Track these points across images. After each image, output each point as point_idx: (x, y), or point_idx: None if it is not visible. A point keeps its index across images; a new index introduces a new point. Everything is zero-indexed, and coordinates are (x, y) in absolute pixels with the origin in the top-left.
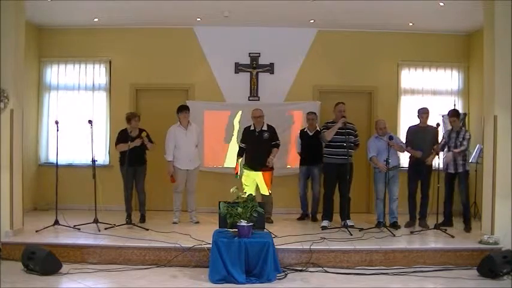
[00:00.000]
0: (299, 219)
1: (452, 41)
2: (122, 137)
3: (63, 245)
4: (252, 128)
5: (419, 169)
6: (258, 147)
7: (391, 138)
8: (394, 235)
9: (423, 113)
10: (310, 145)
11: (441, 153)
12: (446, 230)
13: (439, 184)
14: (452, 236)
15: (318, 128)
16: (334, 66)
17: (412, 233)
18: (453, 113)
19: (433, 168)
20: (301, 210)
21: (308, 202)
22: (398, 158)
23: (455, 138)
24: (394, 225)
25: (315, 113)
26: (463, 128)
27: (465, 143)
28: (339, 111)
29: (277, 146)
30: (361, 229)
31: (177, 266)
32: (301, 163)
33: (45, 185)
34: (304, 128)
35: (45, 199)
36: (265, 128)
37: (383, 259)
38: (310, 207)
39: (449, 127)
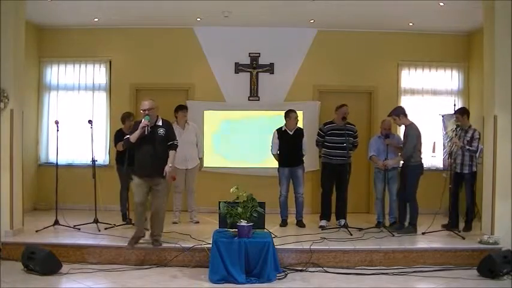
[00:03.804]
0: (282, 226)
1: (452, 41)
2: (120, 137)
3: (63, 245)
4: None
5: (402, 171)
6: (150, 147)
7: (387, 136)
8: (393, 235)
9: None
10: (292, 145)
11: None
12: (460, 231)
13: (450, 185)
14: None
15: (297, 126)
16: (334, 66)
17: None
18: (457, 110)
19: (424, 168)
20: (281, 217)
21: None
22: None
23: (463, 137)
24: (394, 225)
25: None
26: (472, 127)
27: (475, 144)
28: (342, 113)
29: (175, 147)
30: (359, 229)
31: (177, 266)
32: (282, 164)
33: (45, 185)
34: (282, 127)
35: (45, 199)
36: (160, 123)
37: (383, 259)
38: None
39: (449, 128)
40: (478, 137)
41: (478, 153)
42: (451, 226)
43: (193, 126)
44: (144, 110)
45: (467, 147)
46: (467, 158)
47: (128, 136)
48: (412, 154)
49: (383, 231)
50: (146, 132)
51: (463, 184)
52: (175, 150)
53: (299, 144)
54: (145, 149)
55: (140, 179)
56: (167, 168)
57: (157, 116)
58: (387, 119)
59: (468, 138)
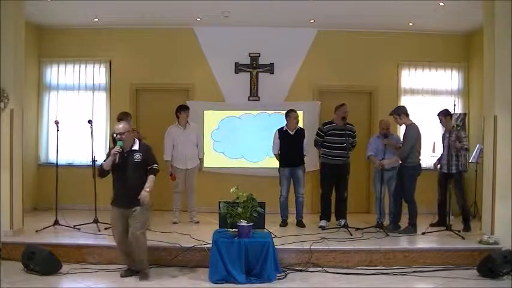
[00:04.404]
0: (282, 226)
1: (452, 41)
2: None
3: (63, 245)
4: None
5: (399, 171)
6: (126, 173)
7: (385, 136)
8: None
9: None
10: (293, 145)
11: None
12: (460, 231)
13: (450, 185)
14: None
15: (298, 126)
16: (334, 66)
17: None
18: (440, 112)
19: (422, 169)
20: (282, 217)
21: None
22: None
23: (448, 138)
24: (388, 226)
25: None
26: (455, 128)
27: (466, 142)
28: (342, 112)
29: (155, 171)
30: (357, 228)
31: (177, 266)
32: (283, 165)
33: (45, 185)
34: (283, 127)
35: (45, 199)
36: (136, 147)
37: (383, 259)
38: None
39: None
40: (464, 135)
41: (478, 153)
42: (438, 224)
43: (194, 127)
44: (117, 134)
45: (465, 147)
46: (454, 158)
47: (102, 163)
48: (409, 154)
49: (379, 231)
50: (117, 161)
51: (450, 184)
52: (155, 174)
53: (300, 145)
54: (119, 177)
55: (117, 209)
56: (143, 193)
57: (134, 139)
58: (385, 118)
59: (453, 138)
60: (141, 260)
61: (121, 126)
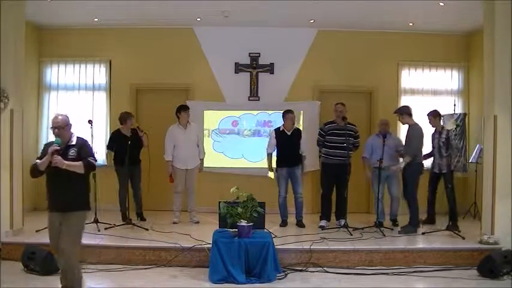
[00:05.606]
0: (282, 226)
1: (452, 41)
2: (115, 139)
3: None
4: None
5: (404, 170)
6: (59, 174)
7: (384, 136)
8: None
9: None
10: (290, 145)
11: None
12: (460, 231)
13: (450, 185)
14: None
15: (295, 127)
16: (334, 66)
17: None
18: (430, 113)
19: (424, 169)
20: (281, 217)
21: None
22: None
23: (438, 139)
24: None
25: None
26: (444, 128)
27: (459, 143)
28: (334, 111)
29: (87, 162)
30: (355, 228)
31: (177, 266)
32: (280, 165)
33: (45, 185)
34: (280, 127)
35: (45, 199)
36: (73, 142)
37: (383, 259)
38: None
39: (449, 127)
40: (453, 136)
41: (478, 153)
42: (427, 222)
43: (194, 127)
44: (55, 128)
45: (458, 153)
46: (445, 158)
47: (36, 162)
48: (418, 154)
49: (377, 231)
50: (52, 162)
51: (439, 184)
52: (86, 165)
53: (297, 145)
54: (54, 177)
55: (52, 214)
56: (59, 158)
57: (72, 134)
58: (384, 118)
59: (443, 140)
60: (71, 283)
61: (60, 118)
